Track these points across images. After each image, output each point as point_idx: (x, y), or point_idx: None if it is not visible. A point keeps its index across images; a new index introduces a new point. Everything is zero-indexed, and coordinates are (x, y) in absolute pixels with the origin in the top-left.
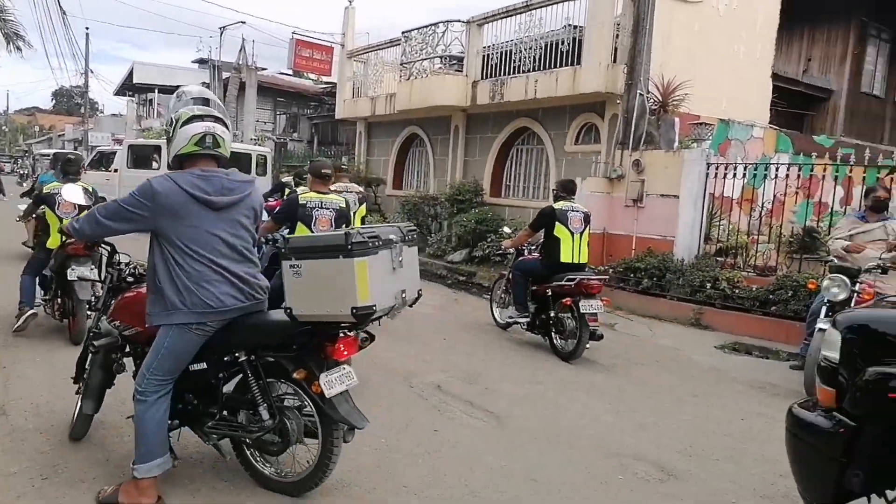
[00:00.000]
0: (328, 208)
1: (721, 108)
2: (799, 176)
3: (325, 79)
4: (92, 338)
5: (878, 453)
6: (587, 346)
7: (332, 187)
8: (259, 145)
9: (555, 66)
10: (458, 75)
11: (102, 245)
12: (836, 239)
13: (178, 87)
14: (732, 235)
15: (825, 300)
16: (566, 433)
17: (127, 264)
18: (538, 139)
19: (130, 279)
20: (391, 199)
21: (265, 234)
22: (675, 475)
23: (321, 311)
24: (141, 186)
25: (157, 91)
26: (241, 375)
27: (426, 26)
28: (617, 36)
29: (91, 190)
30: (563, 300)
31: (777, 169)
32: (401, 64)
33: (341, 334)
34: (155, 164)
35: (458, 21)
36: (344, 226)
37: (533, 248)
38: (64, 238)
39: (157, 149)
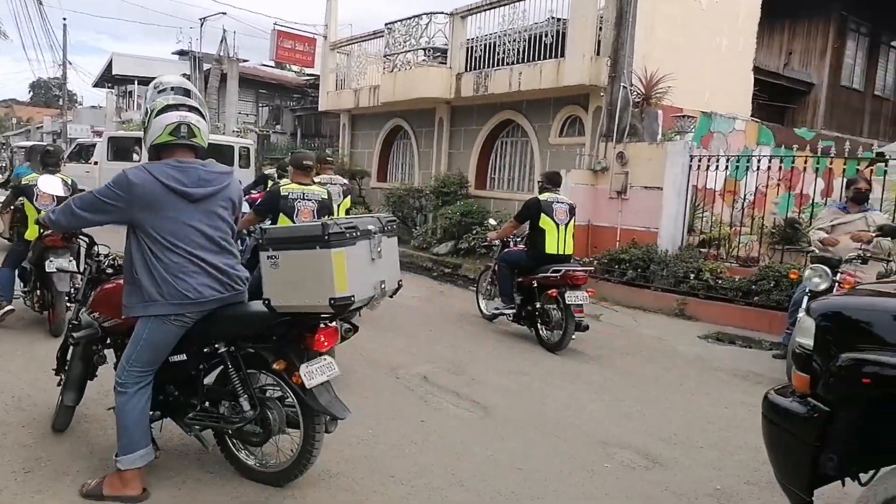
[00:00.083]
0: (310, 200)
1: (704, 101)
2: (780, 168)
3: (307, 71)
4: (72, 329)
5: (851, 437)
6: (573, 336)
7: (317, 179)
8: (242, 137)
9: (539, 59)
10: (442, 67)
11: (80, 236)
12: (818, 230)
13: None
14: (715, 227)
15: (807, 290)
16: (552, 423)
17: (106, 255)
18: (523, 131)
19: (110, 270)
20: (376, 192)
21: (247, 226)
22: (660, 463)
23: (299, 301)
24: (116, 177)
25: (136, 83)
26: (221, 367)
27: (409, 18)
28: (600, 28)
29: (70, 182)
30: (549, 291)
31: (759, 161)
32: (384, 56)
33: (321, 325)
34: (136, 157)
35: (442, 13)
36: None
37: (518, 239)
38: (41, 230)
39: (138, 141)
